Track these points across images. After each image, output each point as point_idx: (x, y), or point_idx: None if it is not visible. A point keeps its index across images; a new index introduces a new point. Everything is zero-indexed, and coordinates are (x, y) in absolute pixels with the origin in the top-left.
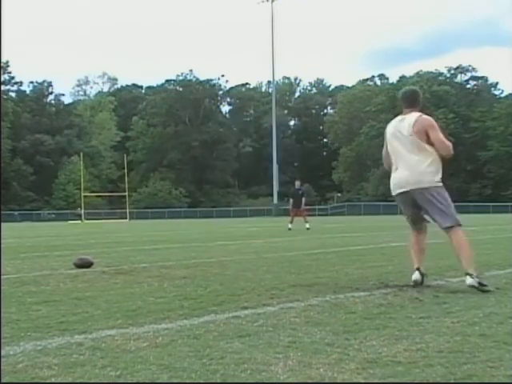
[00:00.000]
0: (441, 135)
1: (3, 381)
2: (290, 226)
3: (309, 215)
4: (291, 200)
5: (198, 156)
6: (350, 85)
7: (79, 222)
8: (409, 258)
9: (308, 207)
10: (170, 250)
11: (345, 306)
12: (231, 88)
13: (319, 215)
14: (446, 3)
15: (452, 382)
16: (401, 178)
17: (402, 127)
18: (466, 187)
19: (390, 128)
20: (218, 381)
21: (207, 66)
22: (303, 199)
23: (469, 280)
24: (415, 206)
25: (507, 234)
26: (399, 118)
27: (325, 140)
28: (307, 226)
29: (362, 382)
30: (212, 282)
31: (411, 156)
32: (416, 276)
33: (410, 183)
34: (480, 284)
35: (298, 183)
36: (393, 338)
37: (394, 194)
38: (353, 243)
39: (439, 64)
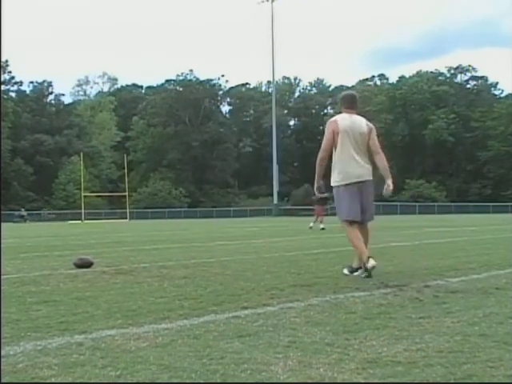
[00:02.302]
0: (378, 143)
1: (3, 381)
2: (321, 225)
3: (309, 215)
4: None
5: (198, 156)
6: (349, 85)
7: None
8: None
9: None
10: (170, 250)
11: (345, 305)
12: (231, 88)
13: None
14: (445, 3)
15: (452, 382)
16: (360, 169)
17: (357, 125)
18: (466, 187)
19: (345, 122)
20: (218, 381)
21: (207, 66)
22: (326, 195)
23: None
24: (360, 197)
25: (507, 233)
26: (346, 116)
27: None
28: (322, 226)
29: (362, 382)
30: (212, 282)
31: (362, 152)
32: (373, 261)
33: (365, 174)
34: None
35: (321, 182)
36: (393, 338)
37: (347, 182)
38: None
39: (439, 64)
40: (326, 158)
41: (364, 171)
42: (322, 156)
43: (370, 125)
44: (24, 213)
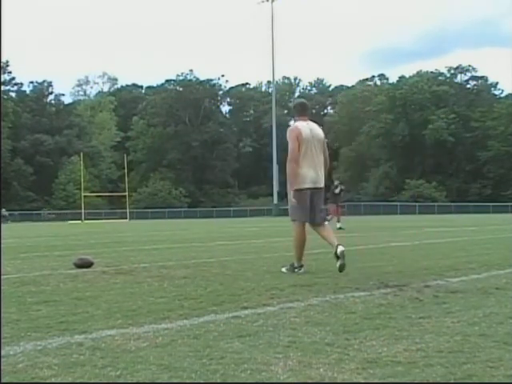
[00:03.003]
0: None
1: (3, 381)
2: (338, 224)
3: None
4: (337, 190)
5: (198, 156)
6: (349, 85)
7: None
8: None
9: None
10: (170, 250)
11: (345, 305)
12: (231, 88)
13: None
14: (445, 3)
15: (452, 382)
16: (317, 176)
17: (315, 132)
18: (466, 187)
19: (306, 130)
20: (218, 381)
21: (207, 66)
22: (342, 193)
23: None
24: (310, 202)
25: (507, 233)
26: (304, 123)
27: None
28: (339, 225)
29: (362, 382)
30: (212, 282)
31: (320, 158)
32: (303, 270)
33: (319, 182)
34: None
35: (337, 181)
36: (393, 338)
37: (304, 187)
38: (353, 243)
39: (439, 64)
40: (298, 167)
41: (320, 178)
42: (293, 166)
43: (322, 132)
44: (5, 213)
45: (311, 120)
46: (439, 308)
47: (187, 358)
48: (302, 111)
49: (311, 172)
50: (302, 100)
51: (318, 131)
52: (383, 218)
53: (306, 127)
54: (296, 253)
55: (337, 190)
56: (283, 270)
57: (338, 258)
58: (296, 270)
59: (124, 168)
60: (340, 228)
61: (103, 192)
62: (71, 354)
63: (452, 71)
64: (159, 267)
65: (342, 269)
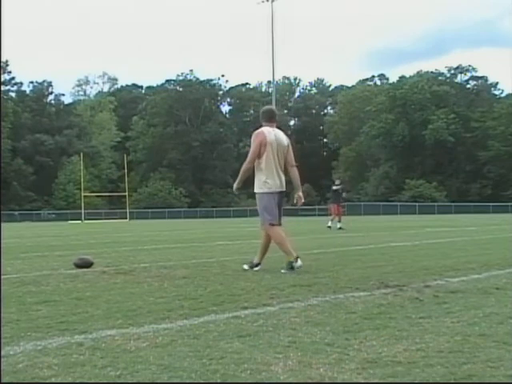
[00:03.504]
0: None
1: (3, 381)
2: (339, 225)
3: (309, 215)
4: (337, 188)
5: (198, 156)
6: (349, 85)
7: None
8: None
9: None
10: (170, 249)
11: (345, 306)
12: (231, 88)
13: (319, 215)
14: (445, 3)
15: (452, 381)
16: (280, 180)
17: (280, 138)
18: (466, 187)
19: (271, 136)
20: (218, 381)
21: (207, 66)
22: (343, 194)
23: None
24: (277, 204)
25: (507, 233)
26: (270, 129)
27: (325, 140)
28: (330, 223)
29: (362, 382)
30: (212, 282)
31: (282, 163)
32: (300, 262)
33: (282, 186)
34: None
35: (338, 181)
36: (393, 338)
37: (272, 191)
38: (353, 243)
39: (439, 64)
40: (251, 168)
41: (283, 182)
42: (248, 166)
43: (288, 139)
44: None
45: (277, 127)
46: (439, 308)
47: (187, 358)
48: (269, 118)
49: (275, 177)
50: (270, 107)
51: (282, 138)
52: (383, 218)
53: (271, 133)
54: (286, 250)
55: (337, 189)
56: (283, 271)
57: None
58: (293, 264)
59: (124, 168)
60: (340, 228)
61: (103, 192)
62: (71, 354)
63: (452, 71)
64: (159, 267)
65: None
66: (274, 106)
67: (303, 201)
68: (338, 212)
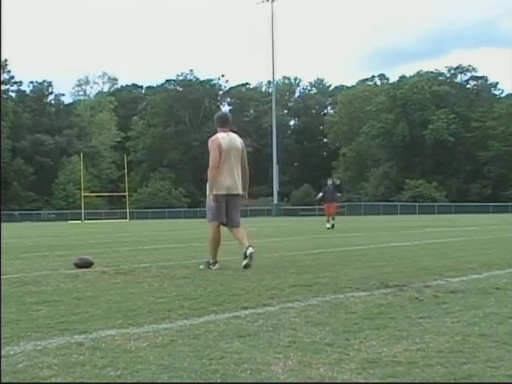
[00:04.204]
0: (246, 159)
1: (3, 381)
2: (328, 225)
3: (309, 215)
4: (320, 195)
5: (198, 156)
6: (349, 85)
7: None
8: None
9: (339, 204)
10: (170, 249)
11: (345, 306)
12: (231, 88)
13: (319, 215)
14: (445, 3)
15: (452, 381)
16: (233, 183)
17: (234, 142)
18: (466, 187)
19: (226, 141)
20: (218, 381)
21: (207, 66)
22: (337, 194)
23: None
24: (227, 206)
25: (507, 233)
26: (224, 134)
27: (325, 140)
28: (332, 223)
29: (362, 381)
30: (212, 282)
31: (238, 166)
32: (217, 266)
33: (238, 188)
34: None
35: (330, 181)
36: (393, 338)
37: (223, 193)
38: (353, 243)
39: (439, 64)
40: (218, 171)
41: (237, 185)
42: (214, 172)
43: (243, 142)
44: None
45: (232, 131)
46: (439, 308)
47: (187, 358)
48: (223, 123)
49: (228, 180)
50: (224, 112)
51: (236, 142)
52: (383, 218)
53: (225, 138)
54: (211, 251)
55: (327, 189)
56: (201, 266)
57: (245, 257)
58: (211, 266)
59: (124, 168)
60: (328, 228)
61: (103, 192)
62: (71, 354)
63: (452, 71)
64: (159, 267)
65: (246, 267)
66: (227, 111)
67: (246, 202)
68: (331, 211)
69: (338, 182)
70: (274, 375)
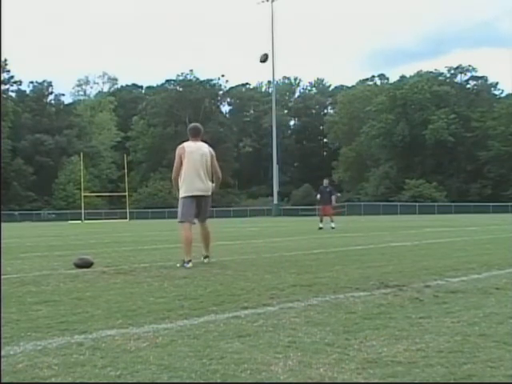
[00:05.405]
0: (217, 164)
1: (3, 381)
2: (320, 225)
3: (309, 215)
4: (318, 196)
5: None
6: (349, 85)
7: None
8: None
9: (337, 204)
10: (169, 249)
11: (345, 305)
12: (231, 88)
13: (319, 215)
14: (445, 3)
15: (452, 381)
16: (201, 185)
17: (200, 148)
18: (466, 187)
19: (191, 148)
20: (218, 381)
21: (207, 66)
22: (333, 197)
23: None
24: (198, 206)
25: (507, 233)
26: (192, 143)
27: (325, 140)
28: (333, 225)
29: (362, 381)
30: (212, 282)
31: (205, 170)
32: (191, 265)
33: (204, 190)
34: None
35: (326, 181)
36: (393, 338)
37: (189, 194)
38: (353, 243)
39: (439, 64)
40: (178, 176)
41: (203, 187)
42: (175, 176)
43: (212, 151)
44: None
45: (202, 140)
46: (439, 308)
47: (187, 358)
48: (194, 134)
49: (194, 183)
50: (195, 125)
51: (203, 148)
52: (383, 218)
53: (192, 146)
54: (184, 250)
55: (323, 190)
56: (178, 265)
57: (206, 257)
58: (185, 264)
59: (124, 168)
60: (320, 228)
61: (103, 192)
62: (71, 354)
63: (452, 71)
64: (159, 267)
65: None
66: (198, 124)
67: (210, 193)
68: (325, 212)
69: (326, 182)
70: (273, 375)
